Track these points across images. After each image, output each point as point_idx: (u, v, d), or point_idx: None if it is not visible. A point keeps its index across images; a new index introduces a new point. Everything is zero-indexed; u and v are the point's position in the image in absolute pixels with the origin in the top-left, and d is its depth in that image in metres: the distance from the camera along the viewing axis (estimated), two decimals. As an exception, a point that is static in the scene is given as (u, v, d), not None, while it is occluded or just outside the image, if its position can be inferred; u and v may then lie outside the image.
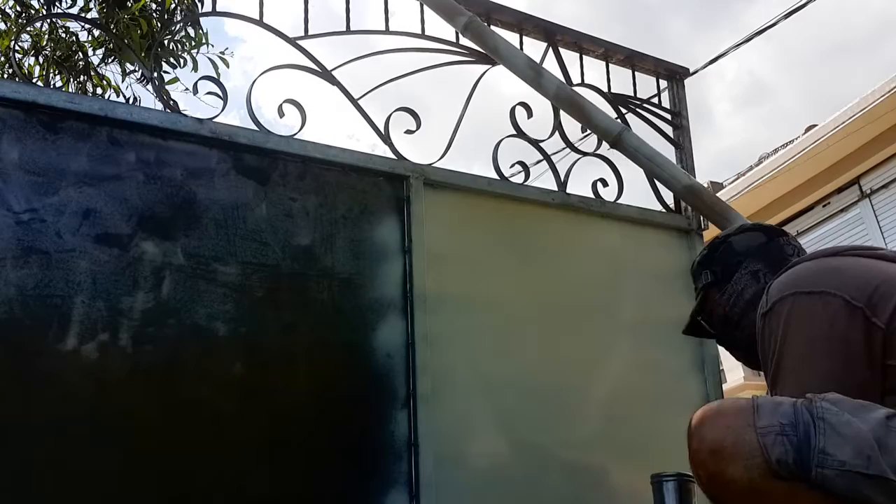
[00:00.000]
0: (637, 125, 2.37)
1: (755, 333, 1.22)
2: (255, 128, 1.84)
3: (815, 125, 6.87)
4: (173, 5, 3.60)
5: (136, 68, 3.73)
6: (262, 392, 1.65)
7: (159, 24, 3.25)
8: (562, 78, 2.30)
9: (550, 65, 2.29)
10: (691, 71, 2.76)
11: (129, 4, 3.53)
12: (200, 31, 3.84)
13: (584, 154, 2.33)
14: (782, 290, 1.16)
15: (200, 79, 1.95)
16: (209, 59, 3.85)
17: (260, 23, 1.95)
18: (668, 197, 2.40)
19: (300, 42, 1.98)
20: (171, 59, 3.77)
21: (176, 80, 3.82)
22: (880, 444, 0.92)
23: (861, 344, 1.05)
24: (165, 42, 3.69)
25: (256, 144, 1.81)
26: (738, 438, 0.97)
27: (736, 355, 1.43)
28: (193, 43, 3.83)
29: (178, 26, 3.73)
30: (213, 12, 2.00)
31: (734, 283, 1.36)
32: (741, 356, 1.41)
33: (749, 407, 1.00)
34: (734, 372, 7.11)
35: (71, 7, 3.47)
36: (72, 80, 3.80)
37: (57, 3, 3.37)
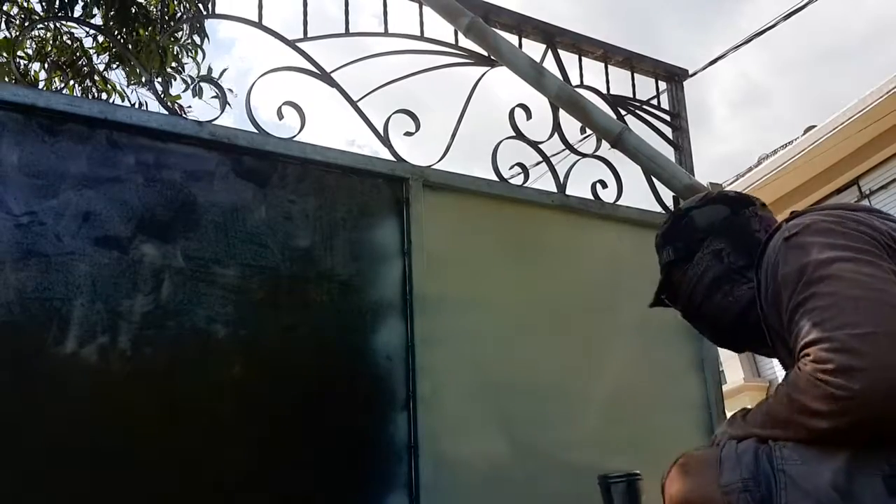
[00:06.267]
0: (636, 126, 2.37)
1: (718, 315, 1.23)
2: (254, 130, 1.84)
3: (814, 126, 6.87)
4: (178, 13, 3.60)
5: (140, 74, 3.74)
6: (261, 394, 1.65)
7: (161, 28, 3.26)
8: (561, 79, 2.30)
9: (549, 66, 2.29)
10: (690, 73, 2.76)
11: (133, 10, 3.53)
12: (206, 38, 3.85)
13: (584, 156, 2.33)
14: (794, 226, 1.09)
15: (200, 80, 1.96)
16: (217, 81, 3.87)
17: (259, 25, 1.96)
18: (668, 198, 2.40)
19: (299, 44, 1.99)
20: (175, 65, 3.77)
21: (179, 97, 3.83)
22: (843, 492, 0.91)
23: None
24: (169, 47, 3.70)
25: (256, 147, 1.81)
26: (703, 498, 1.00)
27: (701, 331, 1.38)
28: (198, 52, 3.84)
29: (183, 33, 3.74)
30: (213, 15, 2.01)
31: (696, 264, 1.28)
32: (707, 334, 1.36)
33: (714, 461, 1.02)
34: (734, 372, 7.11)
35: (82, 15, 3.47)
36: (77, 85, 3.81)
37: (66, 10, 3.37)
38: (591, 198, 2.27)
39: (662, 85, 2.58)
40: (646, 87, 2.54)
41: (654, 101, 2.53)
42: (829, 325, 0.93)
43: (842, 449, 0.93)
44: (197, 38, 3.84)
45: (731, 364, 7.15)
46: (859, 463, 0.92)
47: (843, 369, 0.89)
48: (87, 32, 3.94)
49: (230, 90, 4.01)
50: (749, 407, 1.14)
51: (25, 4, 3.82)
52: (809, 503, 0.92)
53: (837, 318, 0.93)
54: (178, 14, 3.59)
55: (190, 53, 3.86)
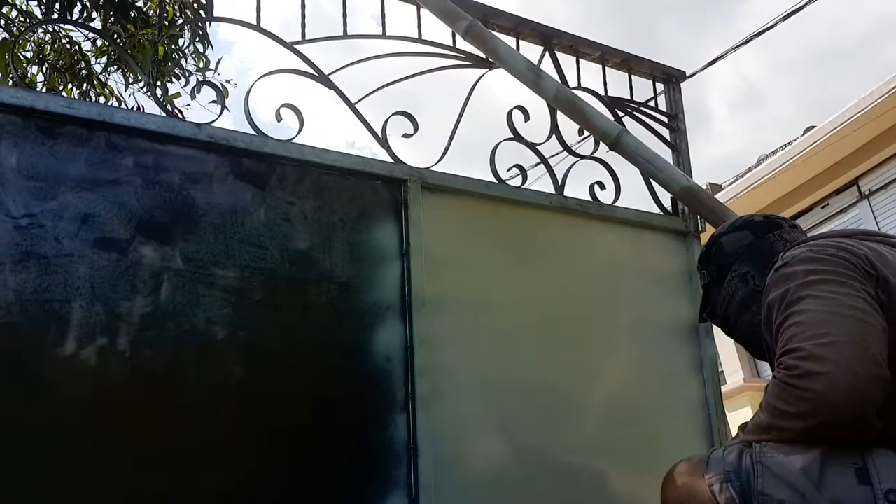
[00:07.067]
0: (633, 128, 2.38)
1: (749, 332, 1.33)
2: (253, 132, 1.84)
3: (813, 126, 6.88)
4: (179, 19, 3.60)
5: (139, 78, 3.75)
6: (260, 396, 1.65)
7: (160, 32, 3.27)
8: (559, 81, 2.30)
9: (547, 68, 2.30)
10: (688, 74, 2.77)
11: (133, 14, 3.53)
12: (209, 46, 3.85)
13: (582, 157, 2.33)
14: (786, 257, 1.21)
15: (199, 83, 1.96)
16: (216, 83, 3.88)
17: (258, 28, 1.96)
18: (666, 199, 2.40)
19: (297, 47, 1.99)
20: (176, 70, 3.78)
21: (178, 95, 3.83)
22: (814, 479, 0.98)
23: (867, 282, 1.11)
24: (170, 52, 3.71)
25: (254, 149, 1.82)
26: (693, 492, 1.11)
27: (739, 343, 1.48)
28: (202, 59, 3.85)
29: (186, 39, 3.74)
30: (212, 17, 2.01)
31: (726, 286, 1.41)
32: (744, 347, 1.46)
33: (702, 462, 1.13)
34: (733, 373, 7.11)
35: (80, 18, 3.47)
36: (74, 88, 3.81)
37: (66, 13, 3.37)
38: (590, 199, 2.28)
39: (660, 87, 2.58)
40: (644, 88, 2.54)
41: (652, 103, 2.53)
42: (801, 336, 1.06)
43: (819, 445, 1.02)
44: (200, 46, 3.85)
45: (731, 365, 7.14)
46: (834, 456, 1.00)
47: (807, 373, 1.01)
48: (86, 36, 3.95)
49: (230, 81, 4.03)
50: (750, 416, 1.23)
51: (24, 7, 3.83)
52: (783, 488, 1.00)
53: (808, 331, 1.05)
54: (178, 18, 3.60)
55: (195, 61, 3.87)
